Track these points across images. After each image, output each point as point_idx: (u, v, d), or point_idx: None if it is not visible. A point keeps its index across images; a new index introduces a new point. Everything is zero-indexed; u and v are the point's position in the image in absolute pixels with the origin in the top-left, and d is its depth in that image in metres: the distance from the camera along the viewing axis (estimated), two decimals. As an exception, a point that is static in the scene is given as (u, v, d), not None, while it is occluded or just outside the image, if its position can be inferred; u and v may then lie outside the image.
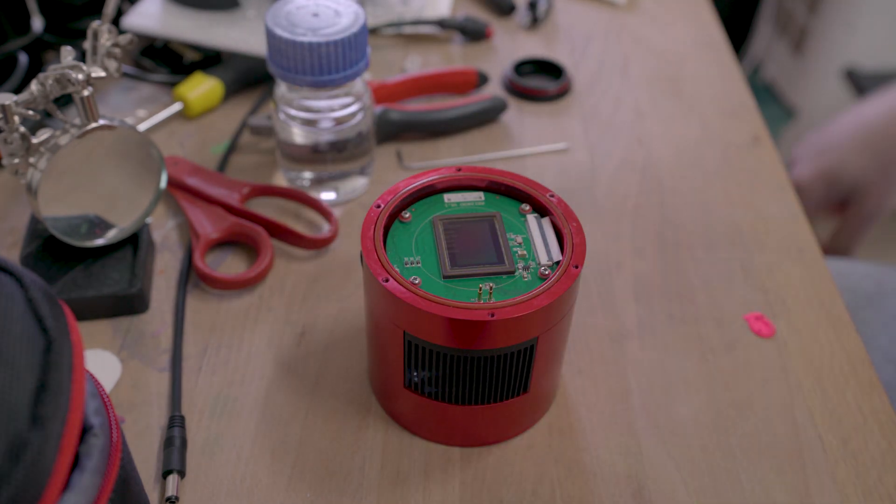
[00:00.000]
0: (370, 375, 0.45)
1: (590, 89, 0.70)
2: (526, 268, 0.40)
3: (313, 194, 0.57)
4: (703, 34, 0.78)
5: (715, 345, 0.49)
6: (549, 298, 0.37)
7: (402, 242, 0.41)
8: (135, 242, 0.51)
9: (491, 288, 0.38)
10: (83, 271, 0.50)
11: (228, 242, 0.54)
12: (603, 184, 0.61)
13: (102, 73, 0.46)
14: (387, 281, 0.38)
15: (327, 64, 0.50)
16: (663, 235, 0.56)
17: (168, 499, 0.40)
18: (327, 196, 0.57)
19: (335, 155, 0.55)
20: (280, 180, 0.59)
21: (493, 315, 0.36)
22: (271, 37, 0.50)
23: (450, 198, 0.43)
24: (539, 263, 0.40)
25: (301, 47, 0.49)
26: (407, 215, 0.42)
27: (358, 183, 0.58)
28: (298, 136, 0.55)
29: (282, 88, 0.54)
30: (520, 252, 0.40)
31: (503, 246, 0.40)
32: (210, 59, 0.69)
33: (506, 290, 0.38)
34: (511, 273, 0.39)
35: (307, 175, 0.57)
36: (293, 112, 0.54)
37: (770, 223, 0.58)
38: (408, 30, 0.75)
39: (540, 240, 0.41)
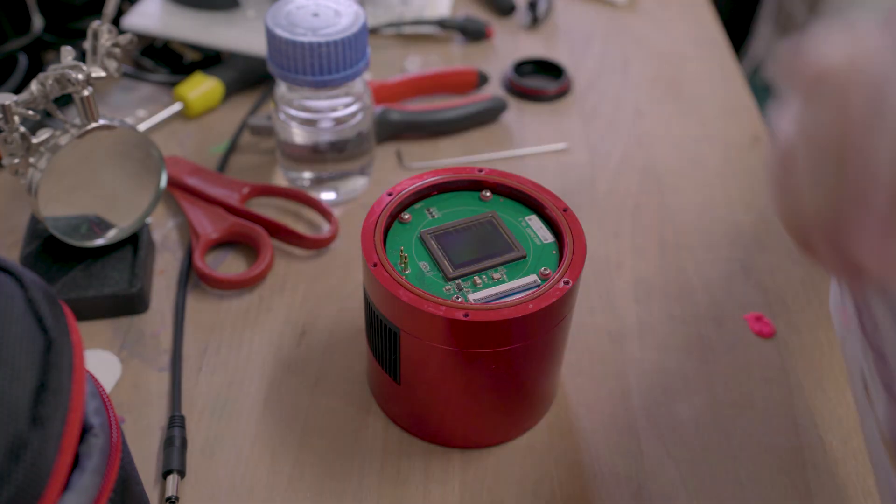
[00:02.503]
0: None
1: (590, 89, 0.70)
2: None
3: (313, 194, 0.57)
4: (703, 34, 0.78)
5: (715, 345, 0.49)
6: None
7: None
8: (135, 242, 0.51)
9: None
10: (83, 271, 0.50)
11: (228, 242, 0.54)
12: (603, 184, 0.61)
13: (102, 73, 0.46)
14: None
15: (327, 64, 0.50)
16: (663, 235, 0.56)
17: (168, 499, 0.40)
18: (327, 196, 0.57)
19: (335, 155, 0.55)
20: (280, 180, 0.59)
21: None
22: (271, 37, 0.50)
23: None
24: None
25: (301, 47, 0.49)
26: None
27: (358, 183, 0.58)
28: (298, 136, 0.55)
29: (282, 88, 0.54)
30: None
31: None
32: (210, 59, 0.69)
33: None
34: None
35: (307, 175, 0.57)
36: (293, 112, 0.54)
37: (770, 223, 0.58)
38: (408, 30, 0.75)
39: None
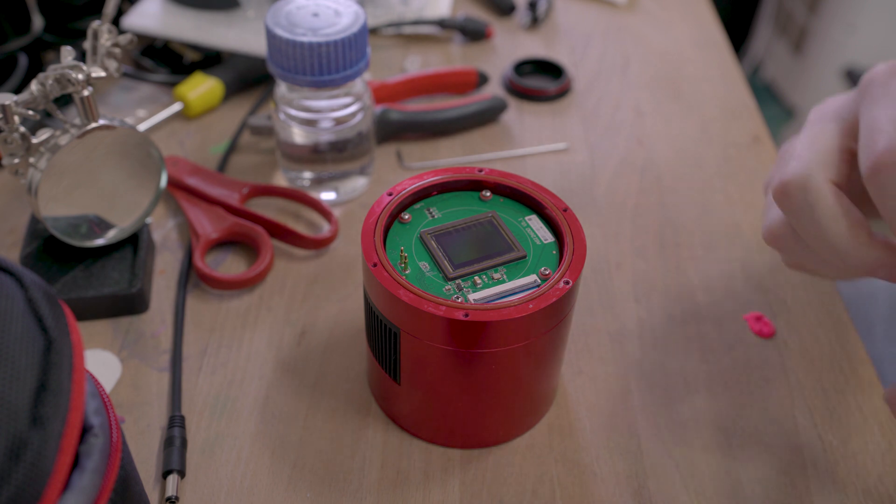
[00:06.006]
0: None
1: (590, 89, 0.70)
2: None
3: (313, 194, 0.57)
4: (703, 34, 0.78)
5: (715, 345, 0.49)
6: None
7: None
8: (135, 242, 0.51)
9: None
10: (83, 271, 0.50)
11: (228, 242, 0.54)
12: (603, 184, 0.61)
13: (102, 73, 0.46)
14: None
15: (327, 64, 0.50)
16: (663, 235, 0.56)
17: (168, 499, 0.40)
18: (327, 196, 0.57)
19: (335, 155, 0.55)
20: (280, 180, 0.59)
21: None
22: (271, 37, 0.50)
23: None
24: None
25: (301, 47, 0.49)
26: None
27: (358, 183, 0.58)
28: (298, 136, 0.55)
29: (282, 88, 0.54)
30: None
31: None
32: (210, 59, 0.69)
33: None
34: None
35: (307, 175, 0.57)
36: (293, 112, 0.54)
37: (770, 223, 0.57)
38: (408, 30, 0.75)
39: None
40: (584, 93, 0.69)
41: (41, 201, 0.47)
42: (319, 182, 0.57)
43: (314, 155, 0.56)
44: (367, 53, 0.52)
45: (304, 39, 0.49)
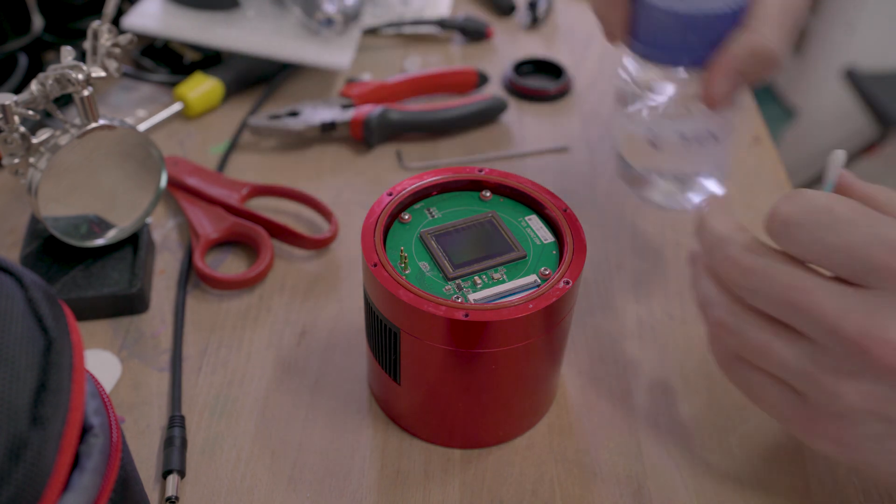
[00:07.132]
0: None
1: (590, 89, 0.70)
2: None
3: (669, 196, 0.50)
4: (703, 34, 0.78)
5: (715, 345, 0.49)
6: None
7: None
8: (135, 242, 0.51)
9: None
10: (83, 271, 0.50)
11: (228, 242, 0.54)
12: (603, 184, 0.61)
13: (102, 73, 0.46)
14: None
15: (709, 40, 0.44)
16: (663, 235, 0.56)
17: (168, 499, 0.40)
18: (694, 199, 0.50)
19: (683, 149, 0.48)
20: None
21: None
22: (643, 6, 0.44)
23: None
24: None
25: (685, 20, 0.43)
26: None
27: (708, 186, 0.50)
28: (653, 125, 0.48)
29: (636, 72, 0.47)
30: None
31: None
32: (210, 59, 0.69)
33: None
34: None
35: (656, 173, 0.50)
36: (651, 98, 0.47)
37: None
38: (408, 30, 0.75)
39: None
40: (584, 93, 0.69)
41: (41, 201, 0.47)
42: (671, 180, 0.50)
43: (663, 147, 0.48)
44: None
45: (691, 10, 0.43)
